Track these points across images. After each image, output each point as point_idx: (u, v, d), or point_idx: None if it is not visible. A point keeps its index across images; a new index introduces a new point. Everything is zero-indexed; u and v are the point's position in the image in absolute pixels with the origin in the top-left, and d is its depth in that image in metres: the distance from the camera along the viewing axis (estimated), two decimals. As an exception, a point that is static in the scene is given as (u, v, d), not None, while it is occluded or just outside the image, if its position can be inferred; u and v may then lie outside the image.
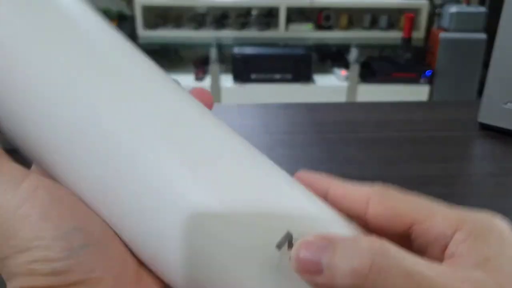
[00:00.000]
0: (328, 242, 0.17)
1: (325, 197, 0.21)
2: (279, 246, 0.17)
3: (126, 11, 2.36)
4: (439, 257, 0.19)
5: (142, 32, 2.27)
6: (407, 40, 2.32)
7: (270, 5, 2.31)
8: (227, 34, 2.32)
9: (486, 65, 2.01)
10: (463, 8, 2.17)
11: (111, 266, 0.19)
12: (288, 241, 0.17)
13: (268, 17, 2.37)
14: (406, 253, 0.17)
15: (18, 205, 0.18)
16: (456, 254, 0.18)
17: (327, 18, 2.33)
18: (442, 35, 2.17)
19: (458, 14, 2.13)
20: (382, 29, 2.38)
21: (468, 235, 0.18)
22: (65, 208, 0.19)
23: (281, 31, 2.31)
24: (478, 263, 0.17)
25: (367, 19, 2.38)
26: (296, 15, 2.40)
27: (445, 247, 0.19)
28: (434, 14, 2.34)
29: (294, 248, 0.17)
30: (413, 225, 0.19)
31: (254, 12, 2.36)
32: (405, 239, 0.20)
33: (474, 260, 0.17)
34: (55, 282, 0.18)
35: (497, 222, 0.18)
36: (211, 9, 2.36)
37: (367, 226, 0.20)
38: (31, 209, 0.18)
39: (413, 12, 2.31)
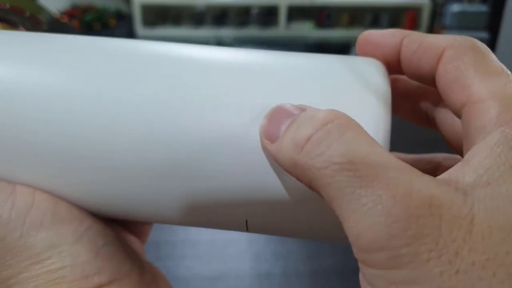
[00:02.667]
0: (299, 110, 0.14)
1: (399, 48, 0.17)
2: None
3: (125, 9, 2.35)
4: None
5: (141, 31, 2.26)
6: (409, 39, 2.31)
7: (270, 3, 2.30)
8: (227, 32, 2.31)
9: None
10: (465, 6, 2.16)
11: (133, 262, 0.18)
12: None
13: (268, 15, 2.35)
14: (373, 141, 0.13)
15: (23, 213, 0.16)
16: (472, 161, 0.13)
17: (328, 16, 2.32)
18: (444, 33, 2.16)
19: (460, 12, 2.12)
20: (383, 27, 2.36)
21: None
22: (70, 209, 0.17)
23: (282, 30, 2.30)
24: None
25: (368, 17, 2.37)
26: (297, 13, 2.39)
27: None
28: (436, 13, 2.33)
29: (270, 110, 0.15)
30: (467, 104, 0.14)
31: (254, 10, 2.35)
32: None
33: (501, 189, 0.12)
34: (86, 286, 0.16)
35: None
36: (210, 7, 2.35)
37: (433, 92, 0.16)
38: (40, 215, 0.16)
39: (415, 11, 2.30)
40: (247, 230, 0.18)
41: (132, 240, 0.21)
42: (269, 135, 0.15)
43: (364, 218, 0.12)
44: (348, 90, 0.16)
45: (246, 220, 0.17)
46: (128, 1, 2.29)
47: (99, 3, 2.21)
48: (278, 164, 0.15)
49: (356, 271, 0.14)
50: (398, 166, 0.12)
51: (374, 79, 0.16)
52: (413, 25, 2.28)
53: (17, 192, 0.17)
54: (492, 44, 2.05)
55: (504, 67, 0.15)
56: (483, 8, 2.12)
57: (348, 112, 0.14)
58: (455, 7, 2.14)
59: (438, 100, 0.18)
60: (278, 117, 0.15)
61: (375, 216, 0.12)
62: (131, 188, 0.17)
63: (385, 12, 2.35)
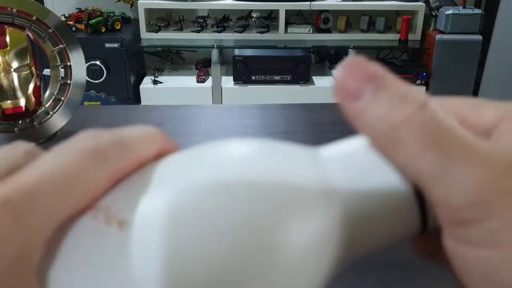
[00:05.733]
0: (382, 71, 0.15)
1: None
2: None
3: (130, 14, 2.40)
4: None
5: (145, 35, 2.31)
6: (404, 42, 2.35)
7: (270, 8, 2.35)
8: (228, 36, 2.36)
9: (481, 66, 2.03)
10: (459, 10, 2.20)
11: None
12: None
13: (268, 19, 2.40)
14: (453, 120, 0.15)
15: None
16: (499, 143, 0.15)
17: (326, 20, 2.37)
18: (438, 36, 2.21)
19: (454, 16, 2.16)
20: (379, 31, 2.41)
21: None
22: None
23: (281, 34, 2.35)
24: None
25: (364, 21, 2.41)
26: (296, 17, 2.44)
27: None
28: (430, 16, 2.38)
29: (344, 61, 0.15)
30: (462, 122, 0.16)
31: (254, 15, 2.40)
32: None
33: None
34: None
35: None
36: (212, 12, 2.39)
37: None
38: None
39: (409, 15, 2.34)
40: None
41: None
42: (350, 93, 0.15)
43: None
44: None
45: None
46: (133, 5, 2.35)
47: (105, 7, 2.26)
48: (360, 122, 0.15)
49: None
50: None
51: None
52: (408, 29, 2.33)
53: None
54: (485, 46, 2.09)
55: None
56: (476, 11, 2.16)
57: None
58: (449, 11, 2.18)
59: None
60: (360, 73, 0.15)
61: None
62: None
63: (381, 16, 2.40)
